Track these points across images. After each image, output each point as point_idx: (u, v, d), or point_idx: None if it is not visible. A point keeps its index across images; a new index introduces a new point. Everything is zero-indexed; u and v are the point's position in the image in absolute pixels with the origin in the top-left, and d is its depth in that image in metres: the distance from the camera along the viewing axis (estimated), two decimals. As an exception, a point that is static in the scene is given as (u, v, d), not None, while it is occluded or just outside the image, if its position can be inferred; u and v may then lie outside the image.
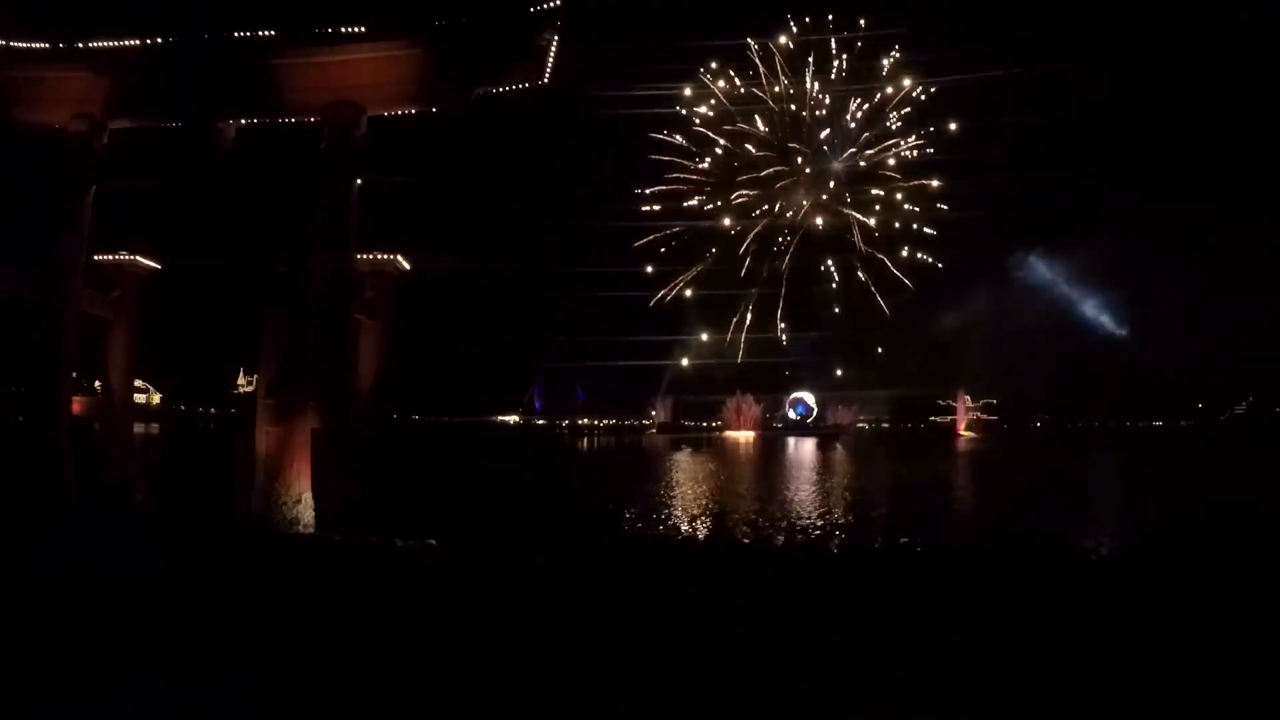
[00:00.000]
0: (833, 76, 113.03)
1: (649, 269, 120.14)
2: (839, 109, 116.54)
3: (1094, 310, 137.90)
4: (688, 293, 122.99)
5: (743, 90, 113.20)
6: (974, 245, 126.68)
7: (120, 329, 30.41)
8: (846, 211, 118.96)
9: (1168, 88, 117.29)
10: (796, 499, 41.59)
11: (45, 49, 25.66)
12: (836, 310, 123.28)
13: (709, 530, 29.58)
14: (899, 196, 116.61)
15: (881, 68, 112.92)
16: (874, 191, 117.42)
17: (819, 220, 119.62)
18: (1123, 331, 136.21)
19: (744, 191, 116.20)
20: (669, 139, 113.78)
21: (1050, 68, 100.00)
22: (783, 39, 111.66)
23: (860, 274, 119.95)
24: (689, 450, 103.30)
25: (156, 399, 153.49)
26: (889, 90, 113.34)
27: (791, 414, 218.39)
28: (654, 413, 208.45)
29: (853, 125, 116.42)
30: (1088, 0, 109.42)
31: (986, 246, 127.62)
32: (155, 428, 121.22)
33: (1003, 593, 14.02)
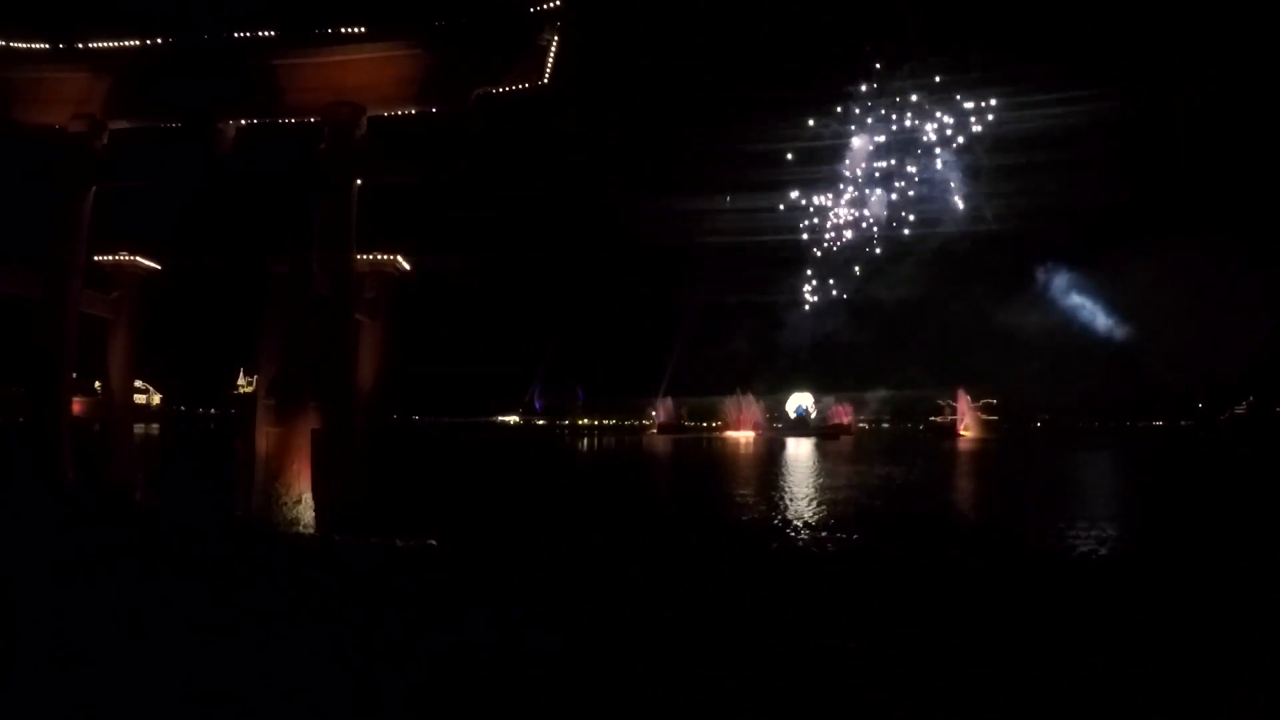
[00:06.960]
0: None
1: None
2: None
3: (1095, 310, 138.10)
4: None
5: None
6: (975, 246, 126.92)
7: (120, 329, 30.40)
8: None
9: (1169, 95, 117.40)
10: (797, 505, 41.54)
11: (45, 49, 25.64)
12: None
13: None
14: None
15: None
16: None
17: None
18: (1123, 332, 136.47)
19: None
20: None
21: (1049, 70, 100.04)
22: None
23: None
24: (689, 451, 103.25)
25: (156, 399, 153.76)
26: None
27: (792, 414, 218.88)
28: (654, 413, 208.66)
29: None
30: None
31: (987, 247, 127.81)
32: (155, 428, 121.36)
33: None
